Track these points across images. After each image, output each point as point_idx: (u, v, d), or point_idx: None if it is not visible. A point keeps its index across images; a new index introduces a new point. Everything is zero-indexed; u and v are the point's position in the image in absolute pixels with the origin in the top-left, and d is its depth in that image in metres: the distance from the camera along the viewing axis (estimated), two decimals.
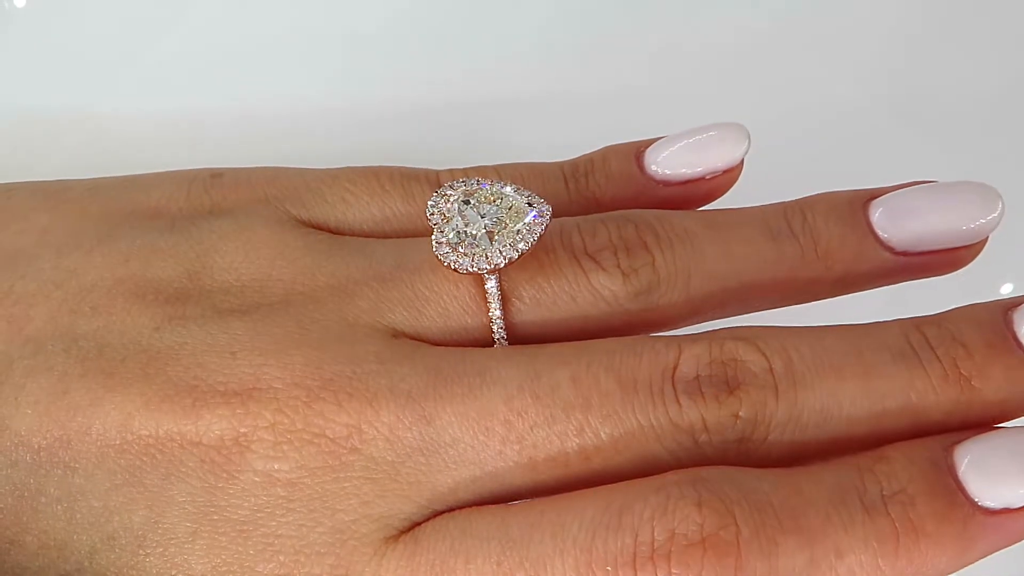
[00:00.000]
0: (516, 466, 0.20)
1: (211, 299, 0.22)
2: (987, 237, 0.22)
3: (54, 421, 0.20)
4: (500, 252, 0.21)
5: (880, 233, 0.23)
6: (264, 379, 0.21)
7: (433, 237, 0.22)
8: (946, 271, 0.23)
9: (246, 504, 0.20)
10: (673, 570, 0.18)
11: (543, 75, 0.31)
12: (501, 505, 0.21)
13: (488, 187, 0.22)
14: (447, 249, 0.21)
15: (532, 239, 0.21)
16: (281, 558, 0.20)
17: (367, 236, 0.24)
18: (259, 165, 0.26)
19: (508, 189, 0.22)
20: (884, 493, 0.19)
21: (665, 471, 0.20)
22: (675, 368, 0.21)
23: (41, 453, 0.20)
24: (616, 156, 0.25)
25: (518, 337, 0.22)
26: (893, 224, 0.22)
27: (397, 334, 0.22)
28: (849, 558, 0.19)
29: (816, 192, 0.24)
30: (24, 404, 0.21)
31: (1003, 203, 0.22)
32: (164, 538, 0.20)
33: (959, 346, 0.21)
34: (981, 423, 0.20)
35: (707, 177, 0.25)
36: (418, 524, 0.20)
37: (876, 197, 0.23)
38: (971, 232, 0.22)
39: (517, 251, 0.21)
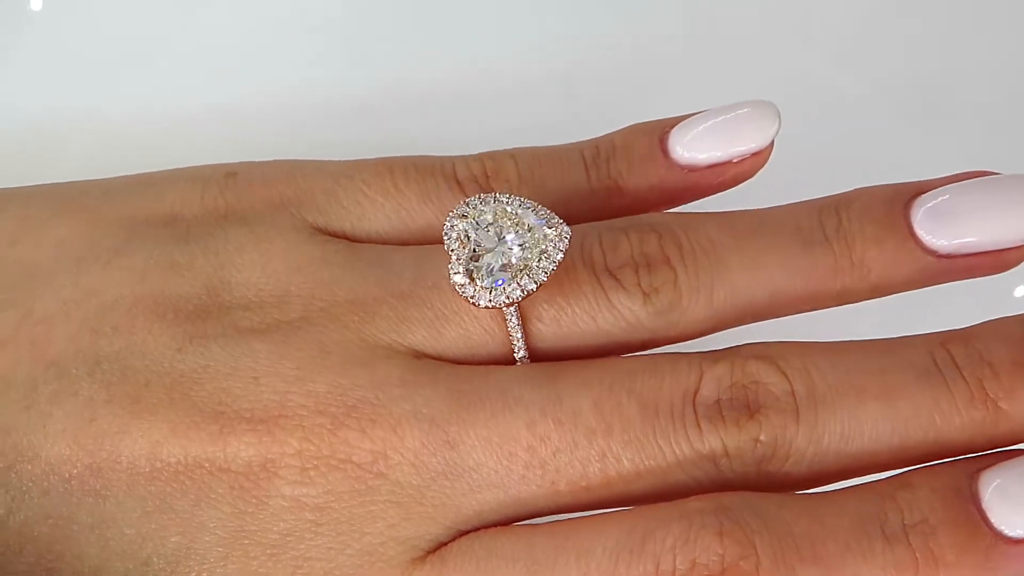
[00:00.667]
0: (539, 489, 0.21)
1: (231, 316, 0.22)
2: None
3: (83, 449, 0.21)
4: (519, 286, 0.21)
5: (922, 236, 0.21)
6: (289, 406, 0.21)
7: (449, 267, 0.21)
8: (991, 273, 0.22)
9: (275, 528, 0.21)
10: None
11: (550, 56, 0.31)
12: (526, 525, 0.21)
13: (506, 205, 0.22)
14: (464, 280, 0.21)
15: (552, 268, 0.21)
16: None
17: (384, 242, 0.24)
18: (274, 159, 0.26)
19: (527, 210, 0.22)
20: (905, 522, 0.19)
21: (686, 495, 0.21)
22: (696, 391, 0.21)
23: (72, 481, 0.21)
24: (638, 139, 0.24)
25: (540, 355, 0.22)
26: (937, 226, 0.21)
27: (418, 355, 0.22)
28: None
29: (850, 187, 0.23)
30: (52, 432, 0.21)
31: None
32: (197, 563, 0.20)
33: (986, 366, 0.20)
34: (1008, 444, 0.20)
35: (735, 160, 0.24)
36: (444, 544, 0.21)
37: (919, 194, 0.22)
38: (1021, 233, 0.21)
39: (536, 283, 0.21)
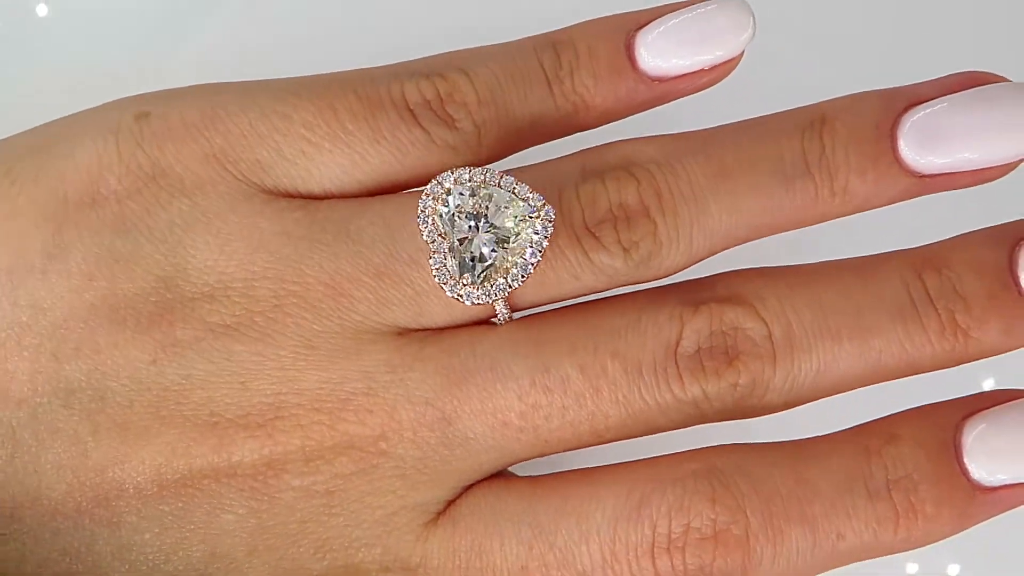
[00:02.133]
0: (533, 448, 0.22)
1: (197, 312, 0.21)
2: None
3: (84, 485, 0.21)
4: (506, 281, 0.20)
5: (908, 160, 0.21)
6: (283, 407, 0.21)
7: (432, 261, 0.20)
8: (971, 186, 0.21)
9: (292, 518, 0.21)
10: (688, 560, 0.21)
11: None
12: (528, 482, 0.22)
13: (484, 187, 0.20)
14: (447, 277, 0.20)
15: (539, 258, 0.20)
16: (334, 555, 0.22)
17: (341, 192, 0.22)
18: (186, 86, 0.23)
19: (507, 192, 0.20)
20: (889, 478, 0.21)
21: (667, 430, 0.22)
22: (677, 343, 0.21)
23: (81, 517, 0.21)
24: (602, 44, 0.22)
25: (521, 308, 0.22)
26: (925, 150, 0.21)
27: (402, 331, 0.22)
28: (850, 539, 0.21)
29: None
30: (47, 474, 0.20)
31: None
32: (225, 563, 0.21)
33: (959, 299, 0.21)
34: (973, 360, 0.21)
35: (706, 68, 0.22)
36: (452, 503, 0.22)
37: (908, 109, 0.21)
38: (1012, 154, 0.20)
39: (525, 275, 0.20)
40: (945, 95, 0.21)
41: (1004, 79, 0.21)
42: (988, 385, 0.28)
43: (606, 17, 0.23)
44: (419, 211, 0.20)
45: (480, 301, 0.21)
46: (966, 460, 0.20)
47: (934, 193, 0.22)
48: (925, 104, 0.21)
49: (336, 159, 0.22)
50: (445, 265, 0.20)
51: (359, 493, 0.22)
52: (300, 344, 0.21)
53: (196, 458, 0.21)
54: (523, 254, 0.20)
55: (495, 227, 0.20)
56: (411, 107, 0.22)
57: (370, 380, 0.21)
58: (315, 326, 0.21)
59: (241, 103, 0.22)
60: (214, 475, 0.21)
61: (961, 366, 0.21)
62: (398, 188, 0.23)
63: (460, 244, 0.20)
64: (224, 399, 0.21)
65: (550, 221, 0.20)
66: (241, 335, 0.21)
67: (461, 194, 0.20)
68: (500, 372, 0.21)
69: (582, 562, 0.21)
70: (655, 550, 0.21)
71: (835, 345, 0.21)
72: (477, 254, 0.20)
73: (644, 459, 0.22)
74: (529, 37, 0.23)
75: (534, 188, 0.21)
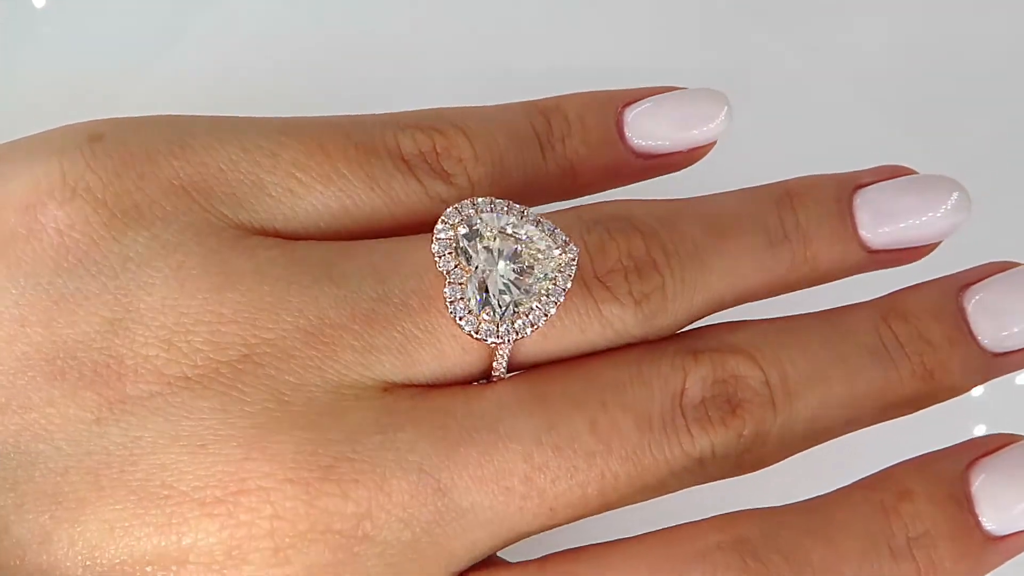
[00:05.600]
0: (535, 517, 0.19)
1: (151, 362, 0.18)
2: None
3: (4, 568, 0.17)
4: (528, 319, 0.18)
5: (863, 234, 0.22)
6: (249, 478, 0.18)
7: (447, 292, 0.18)
8: (909, 263, 0.23)
9: None
10: None
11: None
12: (535, 564, 0.20)
13: (504, 217, 0.18)
14: (464, 311, 0.18)
15: (562, 297, 0.18)
16: None
17: (323, 235, 0.20)
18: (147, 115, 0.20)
19: (530, 224, 0.19)
20: (910, 536, 0.20)
21: (671, 491, 0.20)
22: (682, 393, 0.20)
23: None
24: (594, 117, 0.23)
25: (519, 365, 0.20)
26: (876, 226, 0.22)
27: (388, 386, 0.19)
28: None
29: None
30: None
31: (970, 204, 0.22)
32: None
33: (925, 343, 0.22)
34: (942, 400, 0.22)
35: (687, 150, 0.23)
36: None
37: (860, 187, 0.23)
38: (945, 232, 0.22)
39: (547, 315, 0.18)
40: (882, 180, 0.23)
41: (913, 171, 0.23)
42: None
43: (592, 92, 0.23)
44: (434, 237, 0.19)
45: (497, 340, 0.19)
46: (978, 512, 0.20)
47: (878, 269, 0.23)
48: (874, 187, 0.23)
49: (326, 201, 0.20)
50: (463, 298, 0.18)
51: None
52: (272, 399, 0.18)
53: (139, 539, 0.17)
54: (546, 293, 0.19)
55: (516, 261, 0.19)
56: (406, 157, 0.21)
57: (355, 443, 0.18)
58: (290, 378, 0.18)
59: (218, 135, 0.20)
60: (160, 562, 0.17)
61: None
62: (382, 236, 0.21)
63: (479, 278, 0.18)
64: (179, 466, 0.17)
65: (574, 259, 0.19)
66: (204, 388, 0.18)
67: (480, 224, 0.18)
68: (503, 433, 0.19)
69: None
70: None
71: (827, 391, 0.21)
72: (498, 289, 0.18)
73: (658, 532, 0.20)
74: (518, 102, 0.23)
75: None
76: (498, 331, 0.19)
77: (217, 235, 0.19)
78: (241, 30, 0.29)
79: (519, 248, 0.19)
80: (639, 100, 0.23)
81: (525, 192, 0.22)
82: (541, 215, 0.21)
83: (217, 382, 0.18)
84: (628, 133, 0.23)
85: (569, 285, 0.19)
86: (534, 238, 0.19)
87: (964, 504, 0.20)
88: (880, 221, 0.22)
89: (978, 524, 0.20)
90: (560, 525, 0.20)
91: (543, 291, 0.19)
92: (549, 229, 0.19)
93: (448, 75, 0.27)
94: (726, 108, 0.23)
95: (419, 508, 0.18)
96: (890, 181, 0.23)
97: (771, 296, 0.23)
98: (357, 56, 0.28)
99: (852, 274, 0.23)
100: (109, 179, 0.19)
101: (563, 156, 0.22)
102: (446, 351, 0.19)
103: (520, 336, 0.19)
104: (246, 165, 0.19)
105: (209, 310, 0.18)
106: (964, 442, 0.21)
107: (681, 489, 0.21)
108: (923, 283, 0.23)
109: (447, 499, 0.19)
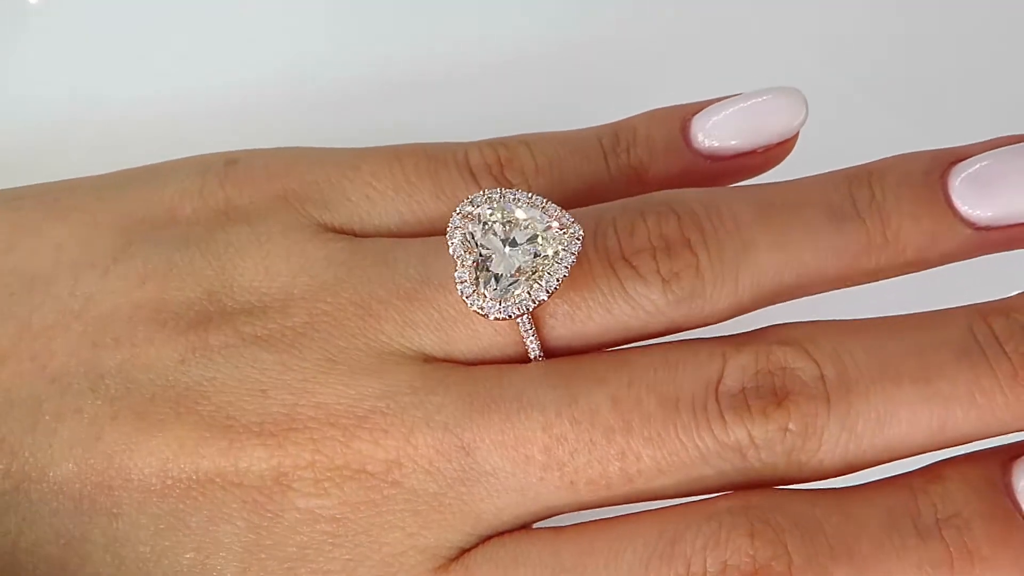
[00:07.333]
0: (558, 491, 0.20)
1: (233, 323, 0.22)
2: None
3: (91, 468, 0.20)
4: (529, 295, 0.20)
5: (960, 207, 0.20)
6: (299, 419, 0.20)
7: (456, 274, 0.21)
8: None
9: (292, 542, 0.20)
10: None
11: (556, 36, 0.29)
12: (551, 529, 0.21)
13: (513, 203, 0.21)
14: (470, 290, 0.20)
15: (564, 273, 0.20)
16: None
17: (392, 236, 0.23)
18: (277, 147, 0.25)
19: (535, 208, 0.21)
20: (938, 516, 0.19)
21: (713, 490, 0.20)
22: (719, 381, 0.20)
23: (83, 501, 0.20)
24: (659, 125, 0.24)
25: (554, 351, 0.22)
26: (977, 196, 0.20)
27: (428, 358, 0.21)
28: None
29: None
30: (59, 451, 0.20)
31: None
32: None
33: None
34: None
35: (759, 150, 0.23)
36: (467, 551, 0.20)
37: (956, 162, 0.20)
38: None
39: (548, 291, 0.20)
40: (991, 150, 0.21)
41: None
42: None
43: (665, 107, 0.24)
44: (449, 228, 0.21)
45: (500, 315, 0.20)
46: (1018, 499, 0.18)
47: (992, 253, 0.21)
48: (974, 156, 0.21)
49: (396, 206, 0.23)
50: (467, 277, 0.20)
51: (366, 525, 0.20)
52: (324, 358, 0.21)
53: (204, 458, 0.20)
54: (548, 268, 0.20)
55: (520, 242, 0.21)
56: (472, 169, 0.23)
57: (389, 400, 0.21)
58: (340, 343, 0.21)
59: (321, 156, 0.24)
60: (219, 480, 0.20)
61: None
62: None
63: (484, 258, 0.21)
64: (243, 404, 0.21)
65: (577, 238, 0.20)
66: (270, 345, 0.21)
67: (489, 211, 0.21)
68: (525, 402, 0.20)
69: None
70: None
71: (895, 388, 0.19)
72: (503, 267, 0.20)
73: (674, 504, 0.20)
74: (593, 127, 0.24)
75: None
76: (499, 307, 0.20)
77: (302, 231, 0.23)
78: (241, 30, 0.29)
79: (521, 230, 0.21)
80: (709, 107, 0.23)
81: (590, 201, 0.23)
82: None
83: (281, 342, 0.21)
84: (694, 136, 0.23)
85: (572, 261, 0.20)
86: (537, 219, 0.21)
87: (1000, 487, 0.18)
88: (982, 188, 0.20)
89: (1020, 511, 0.18)
90: (589, 507, 0.21)
91: (546, 267, 0.20)
92: (555, 212, 0.21)
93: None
94: (801, 99, 0.22)
95: (444, 463, 0.20)
96: (993, 150, 0.20)
97: (848, 284, 0.21)
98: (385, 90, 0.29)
99: (957, 259, 0.21)
100: (232, 194, 0.23)
101: (627, 164, 0.23)
102: (480, 331, 0.21)
103: (519, 313, 0.20)
104: (335, 177, 0.23)
105: (284, 290, 0.22)
106: (1011, 443, 0.19)
107: (727, 485, 0.20)
108: None
109: (470, 459, 0.20)
